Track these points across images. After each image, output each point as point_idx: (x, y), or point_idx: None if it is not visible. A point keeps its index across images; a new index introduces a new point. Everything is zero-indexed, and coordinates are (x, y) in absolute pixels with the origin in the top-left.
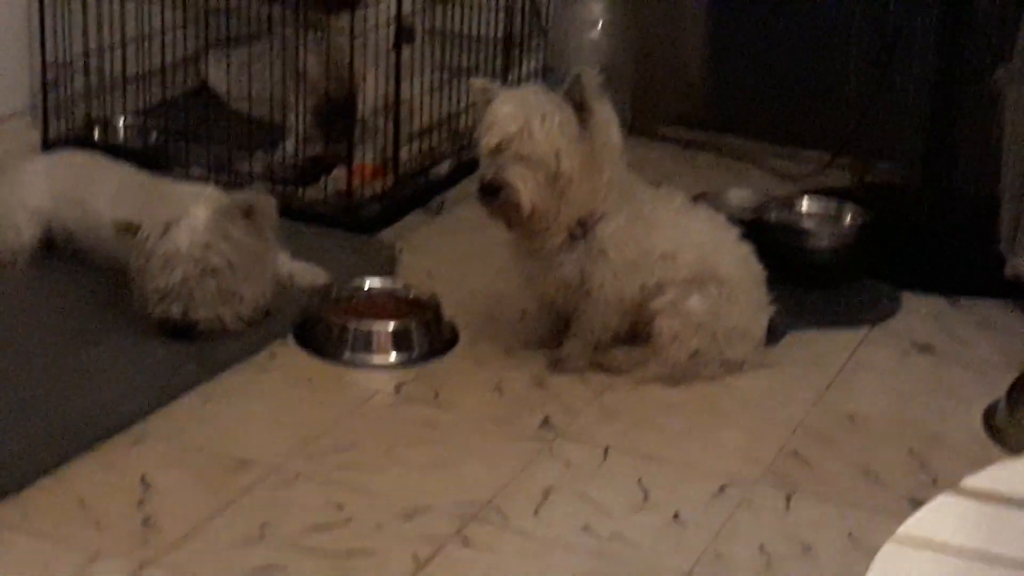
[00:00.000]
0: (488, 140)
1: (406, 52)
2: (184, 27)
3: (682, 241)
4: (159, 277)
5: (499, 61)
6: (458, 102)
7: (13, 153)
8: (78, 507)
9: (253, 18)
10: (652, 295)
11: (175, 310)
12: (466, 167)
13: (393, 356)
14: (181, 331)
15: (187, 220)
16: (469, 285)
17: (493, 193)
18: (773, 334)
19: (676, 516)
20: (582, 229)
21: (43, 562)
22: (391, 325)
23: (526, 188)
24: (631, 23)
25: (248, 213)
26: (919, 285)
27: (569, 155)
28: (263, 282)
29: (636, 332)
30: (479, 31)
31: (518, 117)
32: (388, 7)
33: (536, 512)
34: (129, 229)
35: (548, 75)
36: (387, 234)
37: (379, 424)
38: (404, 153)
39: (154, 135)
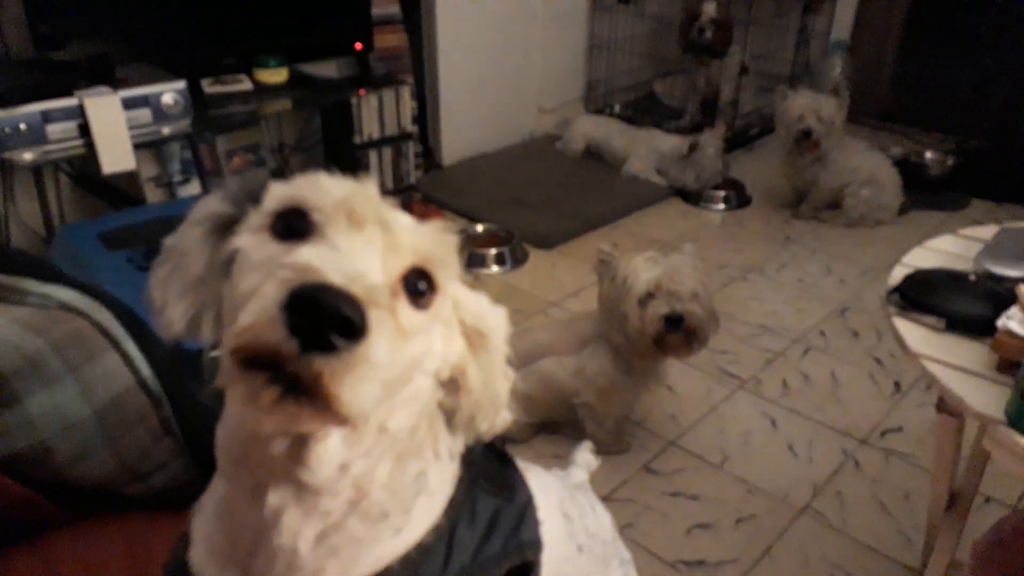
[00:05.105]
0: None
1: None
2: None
3: (862, 163)
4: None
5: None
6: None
7: (573, 115)
8: None
9: (678, 59)
10: (846, 187)
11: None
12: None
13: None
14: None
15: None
16: None
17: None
18: (902, 210)
19: None
20: None
21: None
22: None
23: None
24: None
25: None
26: (983, 195)
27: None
28: None
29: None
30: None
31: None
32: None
33: None
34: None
35: None
36: None
37: None
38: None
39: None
